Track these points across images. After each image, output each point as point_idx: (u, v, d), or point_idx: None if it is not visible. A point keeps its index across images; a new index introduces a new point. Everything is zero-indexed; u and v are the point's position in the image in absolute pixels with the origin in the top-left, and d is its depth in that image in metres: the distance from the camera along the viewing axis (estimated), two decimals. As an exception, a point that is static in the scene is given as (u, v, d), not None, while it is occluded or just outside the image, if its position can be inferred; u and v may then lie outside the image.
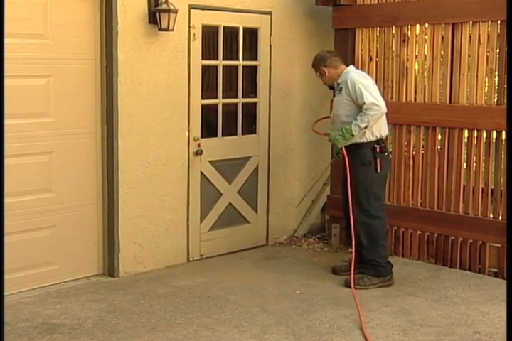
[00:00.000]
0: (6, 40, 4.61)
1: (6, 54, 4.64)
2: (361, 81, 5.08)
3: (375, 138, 5.12)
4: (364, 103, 4.95)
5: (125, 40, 5.12)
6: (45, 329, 4.29)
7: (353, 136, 5.02)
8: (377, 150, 5.11)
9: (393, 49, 5.90)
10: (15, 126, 4.76)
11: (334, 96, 5.42)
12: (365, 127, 4.99)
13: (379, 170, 5.12)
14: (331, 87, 5.46)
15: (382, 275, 5.16)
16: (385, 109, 5.01)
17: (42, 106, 4.90)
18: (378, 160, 5.10)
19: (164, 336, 4.23)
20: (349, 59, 6.10)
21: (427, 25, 5.67)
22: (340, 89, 5.18)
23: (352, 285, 4.96)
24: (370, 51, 6.04)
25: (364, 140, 5.11)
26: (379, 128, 5.14)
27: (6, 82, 4.66)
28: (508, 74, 5.25)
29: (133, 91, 5.23)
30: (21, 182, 4.85)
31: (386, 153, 5.21)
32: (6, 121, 4.68)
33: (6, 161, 4.73)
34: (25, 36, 4.74)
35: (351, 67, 5.34)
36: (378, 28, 5.96)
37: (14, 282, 4.86)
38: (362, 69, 6.06)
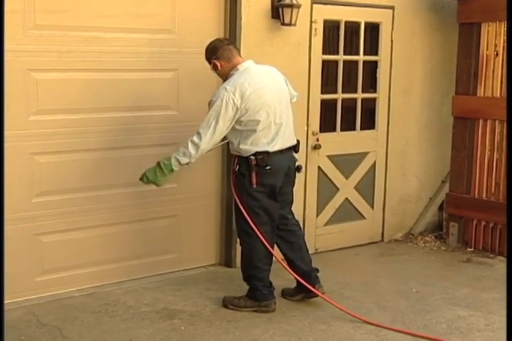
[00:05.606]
0: (136, 36, 4.81)
1: (135, 48, 4.83)
2: (223, 96, 4.23)
3: (248, 154, 4.35)
4: (196, 133, 4.29)
5: (248, 35, 5.20)
6: (165, 315, 4.44)
7: (172, 171, 4.36)
8: (253, 162, 4.34)
9: (521, 44, 5.69)
10: (142, 117, 4.94)
11: None
12: (187, 163, 4.35)
13: (254, 185, 4.39)
14: None
15: (258, 300, 4.53)
16: (203, 151, 4.32)
17: (167, 99, 5.05)
18: (254, 173, 4.36)
19: (280, 327, 4.29)
20: (473, 54, 5.96)
21: (559, 18, 5.45)
22: None
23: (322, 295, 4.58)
24: (496, 46, 5.85)
25: (236, 153, 4.46)
26: (256, 142, 4.35)
27: (134, 75, 4.85)
28: (508, 74, 5.13)
29: (254, 85, 5.29)
30: (146, 173, 5.01)
31: (268, 167, 4.37)
32: (134, 113, 4.89)
33: (131, 152, 4.92)
34: (153, 31, 4.89)
35: (248, 62, 4.44)
36: (506, 22, 5.77)
37: (136, 268, 5.07)
38: (487, 64, 5.90)
